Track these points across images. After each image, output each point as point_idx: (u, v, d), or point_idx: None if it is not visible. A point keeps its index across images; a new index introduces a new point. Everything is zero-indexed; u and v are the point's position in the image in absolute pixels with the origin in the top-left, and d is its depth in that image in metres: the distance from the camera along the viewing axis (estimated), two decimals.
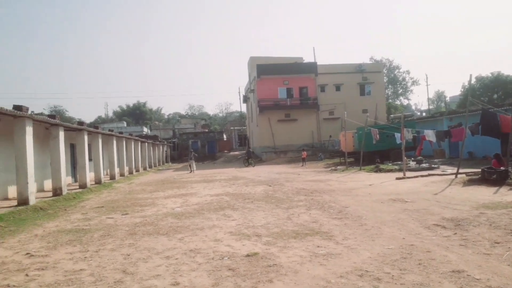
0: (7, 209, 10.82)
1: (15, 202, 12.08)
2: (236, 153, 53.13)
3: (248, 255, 5.65)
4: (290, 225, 7.70)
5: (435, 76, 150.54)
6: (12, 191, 13.70)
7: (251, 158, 34.18)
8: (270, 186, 15.78)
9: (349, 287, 4.25)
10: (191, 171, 29.41)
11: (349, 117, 26.02)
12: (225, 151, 54.96)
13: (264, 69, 40.82)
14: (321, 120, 41.92)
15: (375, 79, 43.86)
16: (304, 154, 31.88)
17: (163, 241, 6.95)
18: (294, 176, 20.82)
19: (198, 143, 57.54)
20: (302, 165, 30.09)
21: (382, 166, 21.15)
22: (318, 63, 42.84)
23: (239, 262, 5.34)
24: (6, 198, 13.83)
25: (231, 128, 68.20)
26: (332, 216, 8.59)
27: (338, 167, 24.92)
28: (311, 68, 42.15)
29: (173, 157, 52.72)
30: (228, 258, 5.60)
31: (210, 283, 4.57)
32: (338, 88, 43.27)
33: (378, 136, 23.57)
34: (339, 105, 41.74)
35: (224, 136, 63.23)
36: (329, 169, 24.78)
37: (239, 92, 68.32)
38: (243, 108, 63.90)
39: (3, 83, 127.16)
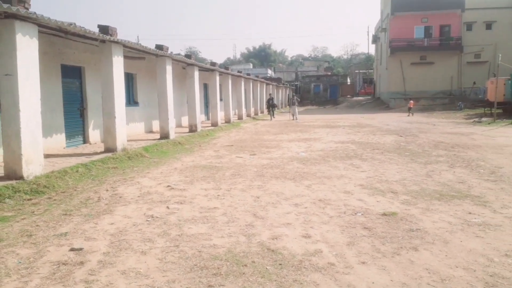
0: (152, 142, 12.04)
1: (158, 135, 13.40)
2: (360, 98, 50.61)
3: (384, 214, 5.11)
4: (431, 184, 6.82)
5: None
6: (156, 125, 15.23)
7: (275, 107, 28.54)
8: (401, 136, 14.48)
9: None
10: (294, 118, 25.21)
11: (501, 60, 21.92)
12: (348, 96, 52.77)
13: (400, 4, 36.48)
14: (463, 64, 36.53)
15: None
16: (411, 103, 28.84)
17: (290, 186, 6.82)
18: (428, 126, 18.81)
19: (320, 86, 56.32)
20: (408, 115, 27.28)
21: None
22: None
23: (375, 221, 4.86)
24: (151, 131, 15.49)
25: (356, 71, 64.60)
26: (483, 177, 7.36)
27: (483, 119, 21.71)
28: (456, 3, 36.10)
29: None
30: (362, 214, 5.15)
31: (344, 241, 4.22)
32: (489, 26, 36.56)
33: None
34: (488, 46, 35.56)
35: (348, 80, 60.51)
36: (471, 120, 21.78)
37: (367, 32, 63.50)
38: (371, 49, 59.67)
39: (147, 25, 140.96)
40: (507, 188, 6.47)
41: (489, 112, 23.01)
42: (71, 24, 7.80)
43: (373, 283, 3.28)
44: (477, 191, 6.32)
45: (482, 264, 3.62)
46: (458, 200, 5.79)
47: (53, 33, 8.80)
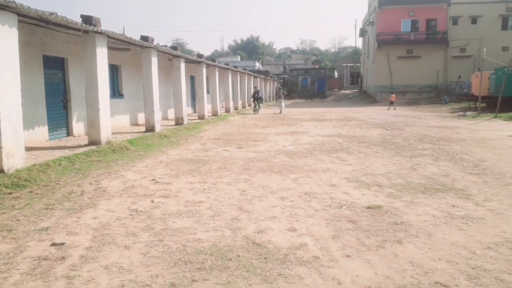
0: (137, 134, 11.89)
1: (143, 128, 13.23)
2: (347, 91, 50.85)
3: (369, 207, 5.14)
4: (416, 177, 6.88)
5: None
6: (141, 118, 15.05)
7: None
8: (387, 130, 14.60)
9: (502, 263, 3.50)
10: (280, 111, 25.15)
11: (486, 55, 22.22)
12: (335, 89, 52.96)
13: None
14: (449, 58, 36.97)
15: None
16: (393, 97, 29.25)
17: (277, 179, 6.80)
18: (414, 120, 19.02)
19: (307, 79, 56.32)
20: (389, 108, 27.86)
21: None
22: None
23: (360, 214, 4.87)
24: (136, 124, 15.29)
25: (343, 64, 64.81)
26: (466, 170, 7.46)
27: (467, 112, 22.05)
28: None
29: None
30: (347, 207, 5.17)
31: (329, 234, 4.23)
32: (474, 20, 37.02)
33: None
34: (473, 41, 36.03)
35: (335, 73, 60.66)
36: (456, 114, 22.09)
37: (355, 25, 63.72)
38: (359, 43, 59.85)
39: (133, 16, 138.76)
40: (490, 181, 6.57)
41: (474, 106, 23.35)
42: (52, 13, 7.59)
43: (357, 276, 3.28)
44: (461, 184, 6.40)
45: (465, 256, 3.66)
46: (442, 193, 5.86)
47: (34, 23, 8.55)
